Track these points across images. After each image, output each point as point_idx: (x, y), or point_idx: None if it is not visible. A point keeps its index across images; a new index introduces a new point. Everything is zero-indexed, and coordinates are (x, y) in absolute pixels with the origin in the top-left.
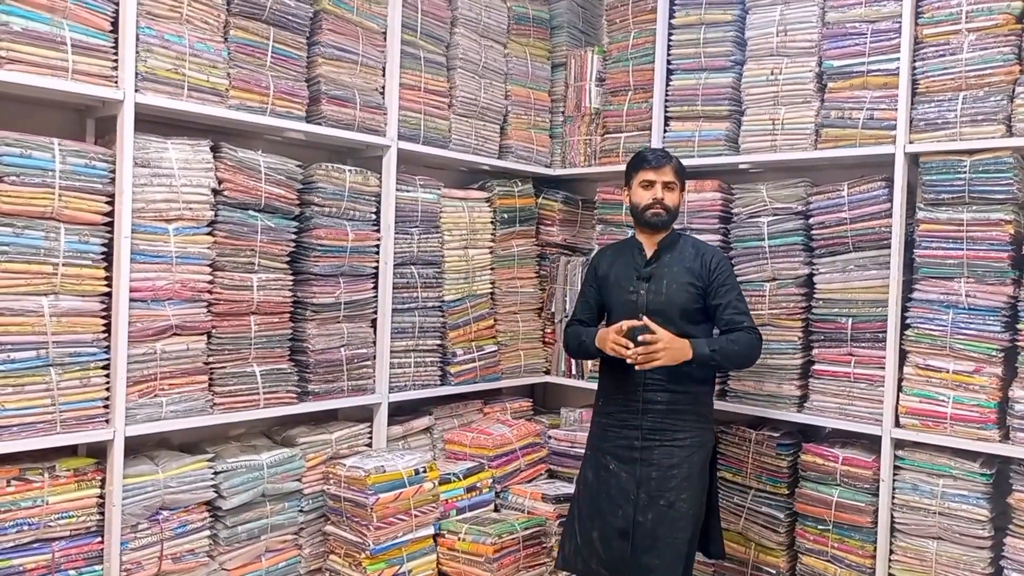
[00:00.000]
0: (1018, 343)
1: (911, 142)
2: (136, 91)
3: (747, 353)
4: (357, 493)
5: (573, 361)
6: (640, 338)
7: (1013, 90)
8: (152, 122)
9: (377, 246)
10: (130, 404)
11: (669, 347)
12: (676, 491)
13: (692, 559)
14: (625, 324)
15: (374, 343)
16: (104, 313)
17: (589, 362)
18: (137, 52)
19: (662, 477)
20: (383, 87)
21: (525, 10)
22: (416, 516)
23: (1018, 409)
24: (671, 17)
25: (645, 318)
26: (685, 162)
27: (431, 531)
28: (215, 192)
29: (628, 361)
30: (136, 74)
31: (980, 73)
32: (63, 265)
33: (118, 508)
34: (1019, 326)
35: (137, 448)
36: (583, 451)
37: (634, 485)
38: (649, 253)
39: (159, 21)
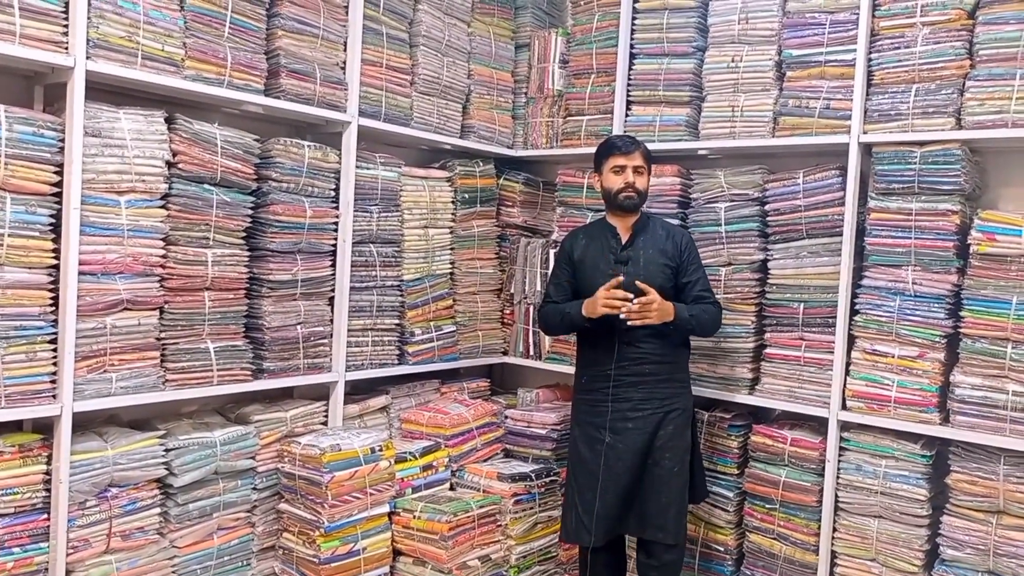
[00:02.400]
0: (960, 330)
1: (865, 132)
2: (88, 58)
3: (714, 323)
4: (312, 471)
5: (531, 342)
6: (638, 296)
7: (963, 84)
8: (104, 91)
9: (336, 223)
10: (78, 380)
11: (661, 306)
12: (662, 451)
13: (684, 513)
14: (615, 281)
15: (331, 321)
16: (52, 286)
17: (547, 343)
18: (89, 18)
19: (650, 442)
20: (344, 62)
21: None
22: (371, 494)
23: (958, 393)
24: (635, 1)
25: (638, 282)
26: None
27: (386, 509)
28: (169, 164)
29: (622, 316)
30: (88, 41)
31: (932, 66)
32: (8, 236)
33: (65, 485)
34: (962, 313)
35: (86, 424)
36: (540, 431)
37: (630, 454)
38: (624, 236)
39: None
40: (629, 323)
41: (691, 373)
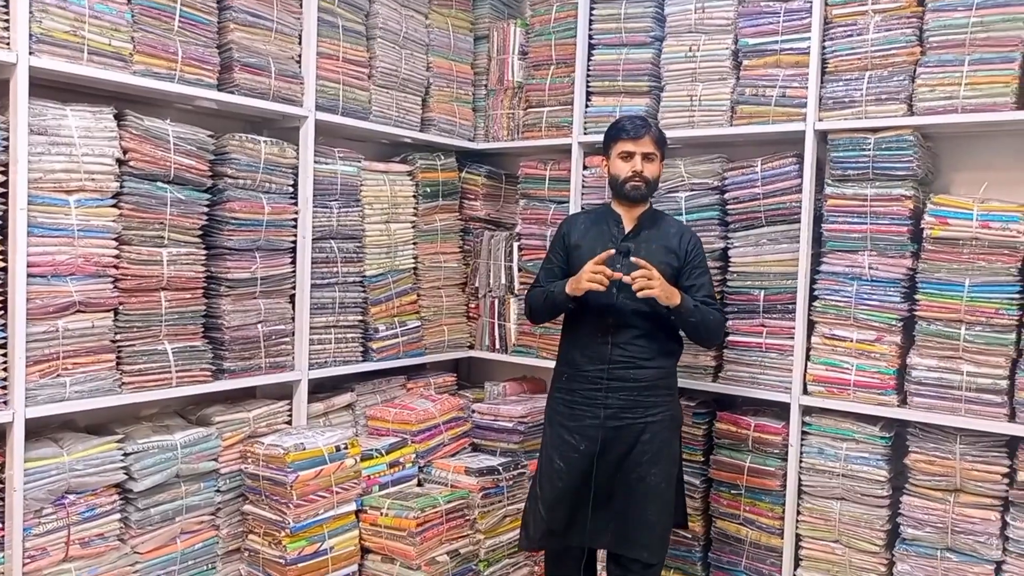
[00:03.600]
0: (916, 313)
1: (820, 120)
2: (31, 54)
3: (716, 330)
4: (276, 471)
5: (497, 335)
6: (633, 261)
7: (914, 70)
8: (50, 87)
9: (295, 220)
10: (30, 384)
11: (664, 284)
12: (648, 465)
13: (669, 531)
14: (605, 254)
15: (293, 319)
16: (0, 290)
17: (513, 335)
18: (31, 12)
19: (633, 453)
20: (299, 56)
21: None
22: (337, 493)
23: (915, 375)
24: None
25: (634, 258)
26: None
27: (353, 507)
28: (120, 162)
29: (625, 280)
30: (30, 35)
31: (884, 53)
32: None
33: (19, 493)
34: (917, 297)
35: (40, 430)
36: (507, 424)
37: (605, 464)
38: (628, 226)
39: None
40: (635, 290)
41: None
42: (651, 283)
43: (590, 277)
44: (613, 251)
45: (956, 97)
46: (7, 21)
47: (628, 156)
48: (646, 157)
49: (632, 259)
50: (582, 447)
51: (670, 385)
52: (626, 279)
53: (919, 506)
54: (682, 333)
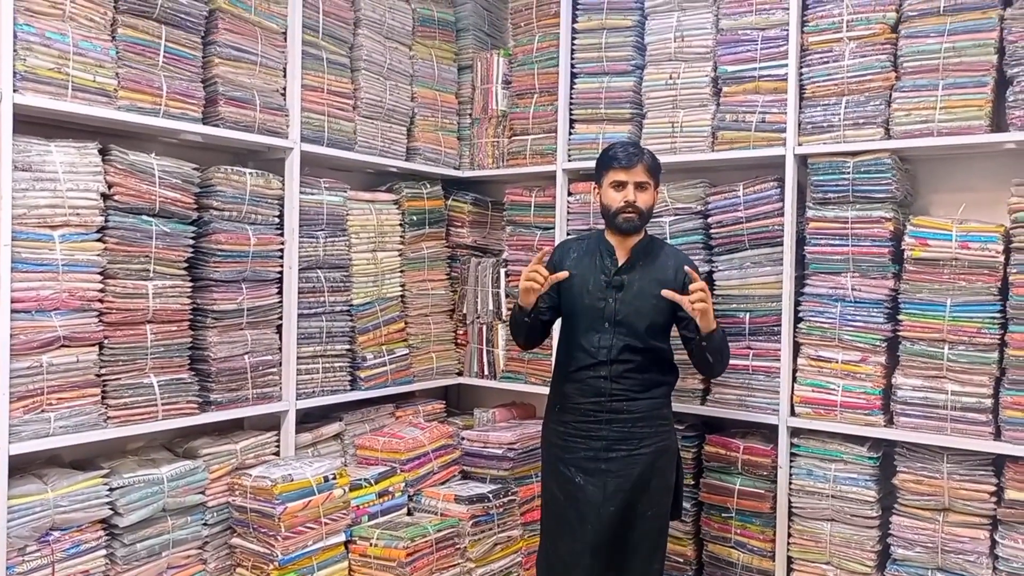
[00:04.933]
0: (900, 333)
1: (800, 144)
2: (15, 91)
3: (726, 361)
4: (264, 503)
5: (486, 362)
6: (619, 291)
7: (890, 95)
8: (35, 123)
9: (281, 250)
10: (14, 420)
11: (709, 303)
12: (646, 504)
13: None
14: (540, 254)
15: (280, 349)
16: None
17: (501, 362)
18: (15, 51)
19: (629, 488)
20: (284, 88)
21: (430, 12)
22: (326, 524)
23: (900, 395)
24: (574, 22)
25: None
26: (587, 164)
27: (342, 538)
28: (105, 196)
29: (691, 304)
30: (15, 73)
31: (860, 79)
32: None
33: (2, 531)
34: (900, 317)
35: (24, 467)
36: (496, 451)
37: (600, 497)
38: (621, 258)
39: (39, 18)
40: (696, 317)
41: None
42: (705, 301)
43: (525, 278)
44: (549, 249)
45: (932, 121)
46: None
47: (620, 185)
48: (639, 186)
49: (687, 282)
50: (577, 479)
51: (665, 416)
52: (685, 302)
53: (908, 526)
54: (687, 360)
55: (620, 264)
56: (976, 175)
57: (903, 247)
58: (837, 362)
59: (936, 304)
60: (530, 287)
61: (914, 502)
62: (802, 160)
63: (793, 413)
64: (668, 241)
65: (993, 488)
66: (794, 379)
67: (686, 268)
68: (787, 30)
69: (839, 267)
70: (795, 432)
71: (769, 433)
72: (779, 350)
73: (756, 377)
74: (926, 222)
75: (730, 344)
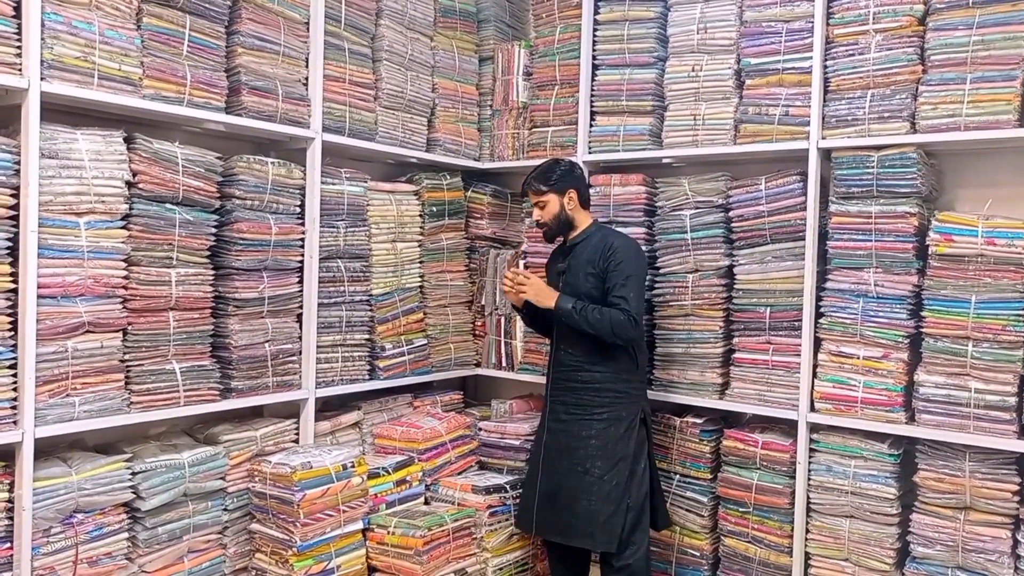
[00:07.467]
0: (922, 329)
1: (823, 138)
2: (42, 79)
3: (607, 325)
4: (283, 490)
5: (504, 353)
6: (510, 271)
7: (916, 89)
8: (61, 111)
9: (302, 240)
10: (40, 404)
11: (535, 286)
12: (592, 459)
13: (637, 531)
14: (511, 257)
15: (300, 338)
16: (10, 310)
17: (519, 353)
18: (43, 39)
19: (579, 447)
20: (307, 78)
21: (452, 3)
22: (344, 511)
23: (922, 392)
24: (596, 13)
25: (521, 262)
26: (610, 156)
27: (360, 526)
28: (129, 184)
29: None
30: (42, 62)
31: (886, 72)
32: None
33: (28, 512)
34: (923, 313)
35: (49, 450)
36: (513, 442)
37: (556, 452)
38: (568, 252)
39: (66, 7)
40: (509, 299)
41: (661, 379)
42: (522, 287)
43: (501, 282)
44: (521, 250)
45: (959, 115)
46: (19, 48)
47: (533, 207)
48: (539, 205)
49: (512, 270)
50: (544, 437)
51: (619, 389)
52: (503, 287)
53: (929, 524)
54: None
55: (566, 256)
56: (1003, 170)
57: (927, 243)
58: (859, 358)
59: (960, 301)
60: (505, 290)
61: (935, 500)
62: (825, 154)
63: (813, 409)
64: (688, 233)
65: (1016, 487)
66: (814, 374)
67: (612, 249)
68: (812, 22)
69: (862, 262)
70: (815, 428)
71: (788, 428)
72: (799, 345)
73: (776, 372)
74: (951, 217)
75: (749, 338)
